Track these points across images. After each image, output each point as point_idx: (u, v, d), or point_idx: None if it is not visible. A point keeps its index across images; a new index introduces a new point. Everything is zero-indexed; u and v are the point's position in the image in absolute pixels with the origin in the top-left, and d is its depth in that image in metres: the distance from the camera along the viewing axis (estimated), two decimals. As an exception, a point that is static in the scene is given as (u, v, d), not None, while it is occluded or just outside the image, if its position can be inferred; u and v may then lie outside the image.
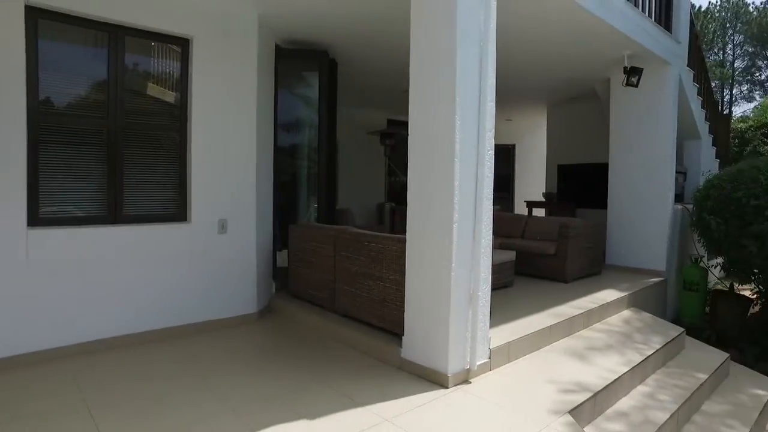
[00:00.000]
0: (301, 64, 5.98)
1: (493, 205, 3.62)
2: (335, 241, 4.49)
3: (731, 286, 6.39)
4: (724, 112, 14.09)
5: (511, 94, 8.54)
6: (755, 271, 5.83)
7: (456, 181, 3.19)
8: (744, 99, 45.80)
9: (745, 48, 46.88)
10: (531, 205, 9.38)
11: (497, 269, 5.20)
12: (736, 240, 5.47)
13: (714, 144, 8.26)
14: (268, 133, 5.33)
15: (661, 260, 6.35)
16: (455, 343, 3.25)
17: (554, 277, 5.94)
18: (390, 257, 3.83)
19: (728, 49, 47.39)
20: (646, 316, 5.15)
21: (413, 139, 3.47)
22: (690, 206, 6.81)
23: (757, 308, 6.57)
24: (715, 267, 7.00)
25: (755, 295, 6.56)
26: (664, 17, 6.47)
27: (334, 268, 4.50)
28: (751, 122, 13.74)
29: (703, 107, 7.71)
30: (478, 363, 3.35)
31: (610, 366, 3.65)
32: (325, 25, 5.19)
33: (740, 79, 46.59)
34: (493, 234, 7.28)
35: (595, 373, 3.49)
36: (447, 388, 3.20)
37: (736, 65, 46.93)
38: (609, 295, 5.20)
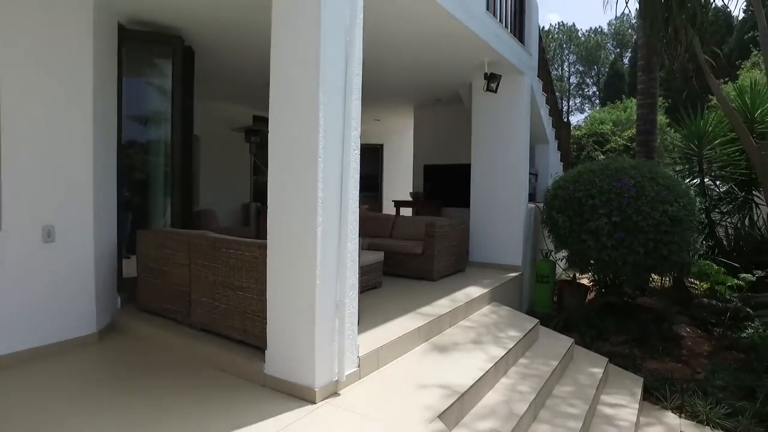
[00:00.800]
0: (151, 49, 5.32)
1: (362, 205, 3.50)
2: (189, 248, 4.03)
3: (574, 276, 7.11)
4: (565, 121, 16.01)
5: (378, 94, 8.61)
6: (591, 262, 6.53)
7: (320, 182, 3.00)
8: (578, 110, 52.61)
9: (577, 67, 53.92)
10: (399, 204, 9.61)
11: (365, 271, 5.14)
12: (577, 235, 6.07)
13: (558, 148, 9.19)
14: (111, 125, 4.64)
15: (518, 256, 6.84)
16: (322, 355, 3.06)
17: (422, 276, 6.06)
18: (250, 265, 3.51)
19: (565, 66, 54.00)
20: (505, 310, 5.47)
21: (274, 137, 3.21)
22: (541, 205, 7.44)
23: (592, 294, 7.40)
24: (562, 260, 7.75)
25: (591, 283, 7.39)
26: (518, 30, 6.97)
27: (190, 277, 4.04)
28: (584, 131, 15.69)
29: (550, 114, 8.51)
30: (347, 373, 3.20)
31: (476, 363, 3.74)
32: (177, 6, 4.65)
33: (574, 93, 53.41)
34: (361, 235, 7.22)
35: (462, 373, 3.54)
36: (315, 403, 3.00)
37: (571, 81, 53.67)
38: (473, 291, 5.43)
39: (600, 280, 6.99)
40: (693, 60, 6.66)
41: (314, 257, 2.99)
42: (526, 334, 4.61)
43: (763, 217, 7.57)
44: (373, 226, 7.18)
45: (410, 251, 6.14)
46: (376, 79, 7.47)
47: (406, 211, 9.97)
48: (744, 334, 6.08)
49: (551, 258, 7.17)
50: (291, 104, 3.11)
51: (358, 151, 3.33)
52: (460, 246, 6.62)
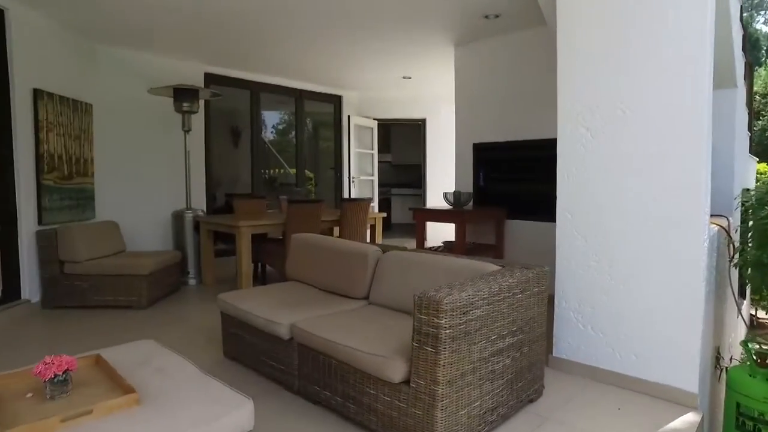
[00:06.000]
0: None
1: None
2: None
3: None
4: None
5: (385, 17, 4.62)
6: None
7: None
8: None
9: None
10: (424, 216, 5.34)
11: None
12: None
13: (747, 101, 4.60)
14: None
15: (693, 363, 2.56)
16: None
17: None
18: None
19: None
20: None
21: None
22: (729, 222, 3.09)
23: None
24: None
25: None
26: None
27: None
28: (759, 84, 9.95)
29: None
30: None
31: None
32: None
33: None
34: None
35: None
36: None
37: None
38: None
39: None
40: None
41: None
42: None
43: None
44: (335, 266, 3.27)
45: (378, 372, 2.14)
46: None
47: (444, 230, 5.88)
48: None
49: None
50: None
51: None
52: (530, 340, 2.48)
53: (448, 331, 1.91)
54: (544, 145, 4.63)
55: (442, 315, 1.90)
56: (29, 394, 1.80)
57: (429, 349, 1.94)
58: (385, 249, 3.25)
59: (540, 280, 2.53)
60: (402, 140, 10.44)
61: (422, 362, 1.97)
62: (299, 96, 7.80)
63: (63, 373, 1.76)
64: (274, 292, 3.38)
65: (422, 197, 8.76)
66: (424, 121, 8.47)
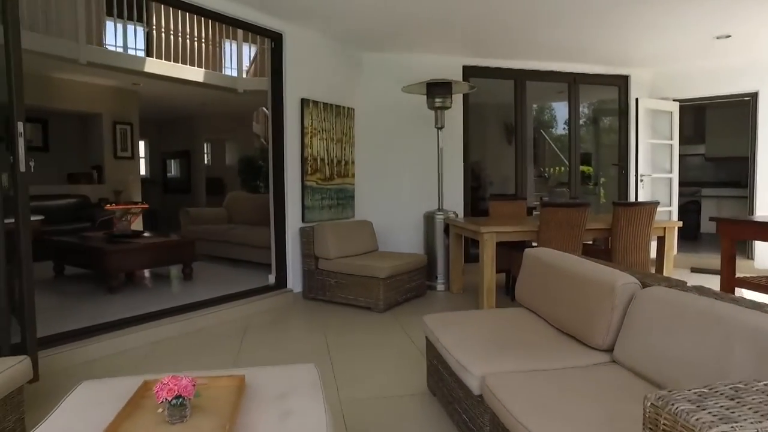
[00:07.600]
0: None
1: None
2: None
3: None
4: None
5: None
6: None
7: None
8: None
9: None
10: (734, 230, 3.44)
11: None
12: None
13: None
14: None
15: None
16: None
17: None
18: None
19: None
20: None
21: None
22: None
23: None
24: None
25: None
26: None
27: None
28: None
29: None
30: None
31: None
32: None
33: None
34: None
35: None
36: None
37: None
38: None
39: None
40: None
41: None
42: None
43: None
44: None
45: None
46: None
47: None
48: None
49: None
50: None
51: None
52: None
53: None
54: None
55: None
56: (160, 410, 1.65)
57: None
58: (646, 281, 2.16)
59: None
60: (721, 126, 7.98)
61: None
62: (573, 81, 6.68)
63: (175, 398, 1.53)
64: (490, 321, 2.68)
65: (748, 201, 6.42)
66: (754, 95, 6.13)
